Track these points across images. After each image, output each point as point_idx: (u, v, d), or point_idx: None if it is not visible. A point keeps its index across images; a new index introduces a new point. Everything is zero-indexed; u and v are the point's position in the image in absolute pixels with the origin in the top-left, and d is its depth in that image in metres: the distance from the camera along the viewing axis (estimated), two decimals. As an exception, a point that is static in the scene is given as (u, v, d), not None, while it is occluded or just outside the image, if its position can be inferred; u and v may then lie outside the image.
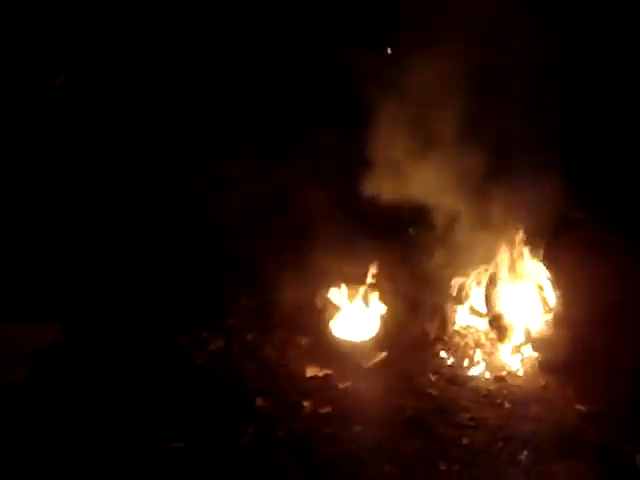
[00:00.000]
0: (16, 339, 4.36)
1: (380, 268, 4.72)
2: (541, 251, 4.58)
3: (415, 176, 4.51)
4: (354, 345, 4.48)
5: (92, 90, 6.21)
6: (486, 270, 4.60)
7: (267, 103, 6.11)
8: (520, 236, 4.57)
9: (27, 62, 5.98)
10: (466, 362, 4.35)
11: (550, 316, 4.43)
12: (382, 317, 4.58)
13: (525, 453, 3.68)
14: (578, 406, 3.97)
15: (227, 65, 6.30)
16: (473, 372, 4.28)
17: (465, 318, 4.61)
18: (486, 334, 4.52)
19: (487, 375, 4.25)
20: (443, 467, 3.62)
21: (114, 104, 6.20)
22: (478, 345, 4.46)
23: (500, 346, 4.42)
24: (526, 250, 4.58)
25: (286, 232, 5.19)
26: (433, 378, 4.23)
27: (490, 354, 4.40)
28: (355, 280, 4.68)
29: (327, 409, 3.99)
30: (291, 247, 4.97)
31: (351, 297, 4.63)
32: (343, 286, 4.64)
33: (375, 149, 4.59)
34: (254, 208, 5.44)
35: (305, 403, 4.03)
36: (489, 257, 4.61)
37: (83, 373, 4.18)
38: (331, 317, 4.58)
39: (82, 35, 6.18)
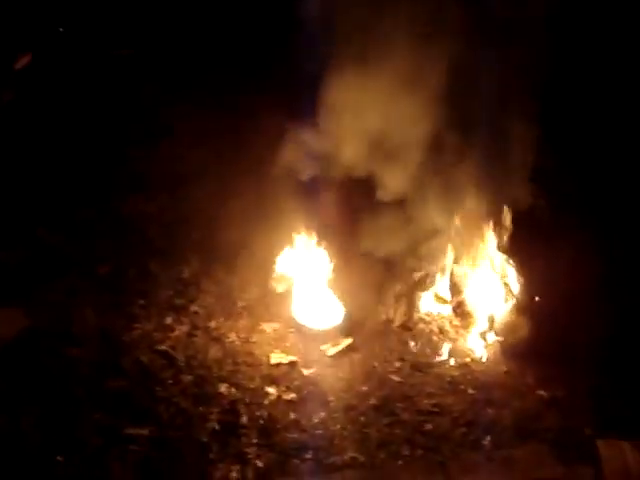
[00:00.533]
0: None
1: (343, 253, 4.74)
2: (505, 238, 4.62)
3: (380, 161, 4.51)
4: (319, 332, 4.49)
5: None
6: (450, 257, 4.63)
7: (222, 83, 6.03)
8: (484, 223, 4.61)
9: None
10: (430, 349, 4.38)
11: (513, 303, 4.47)
12: (347, 304, 4.60)
13: (488, 438, 3.73)
14: (540, 391, 4.03)
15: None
16: (437, 359, 4.31)
17: (429, 305, 4.64)
18: (450, 321, 4.57)
19: (451, 362, 4.29)
20: (407, 452, 3.65)
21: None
22: (442, 332, 4.50)
23: (464, 333, 4.47)
24: (490, 237, 4.61)
25: (247, 217, 5.12)
26: (397, 365, 4.26)
27: (454, 341, 4.44)
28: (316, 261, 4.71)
29: (292, 396, 3.99)
30: (254, 233, 4.94)
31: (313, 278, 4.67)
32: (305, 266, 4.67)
33: (338, 121, 4.52)
34: (214, 191, 5.38)
35: (269, 390, 4.02)
36: (453, 244, 4.64)
37: (48, 360, 4.13)
38: (295, 302, 4.60)
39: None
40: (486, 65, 4.35)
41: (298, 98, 4.72)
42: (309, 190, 4.78)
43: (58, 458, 3.52)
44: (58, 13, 6.05)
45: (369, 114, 4.47)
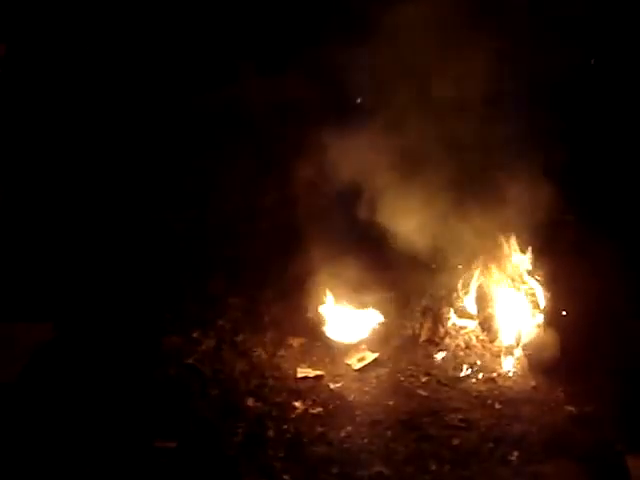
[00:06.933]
0: (8, 339, 4.33)
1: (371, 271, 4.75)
2: (531, 253, 4.60)
3: (404, 181, 4.57)
4: (345, 346, 4.48)
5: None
6: (477, 272, 4.62)
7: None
8: (511, 238, 4.60)
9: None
10: (457, 363, 4.36)
11: (541, 318, 4.44)
12: (373, 319, 4.60)
13: (516, 454, 3.69)
14: (568, 407, 3.98)
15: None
16: (464, 373, 4.28)
17: (456, 319, 4.62)
18: (477, 335, 4.53)
19: (478, 376, 4.26)
20: (434, 467, 3.63)
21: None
22: (469, 346, 4.47)
23: (491, 347, 4.44)
24: (516, 252, 4.60)
25: (276, 232, 5.15)
26: (424, 379, 4.24)
27: (481, 355, 4.41)
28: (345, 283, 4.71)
29: (318, 410, 3.99)
30: (282, 248, 4.96)
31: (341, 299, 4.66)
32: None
33: (366, 158, 4.67)
34: (244, 208, 5.41)
35: (296, 403, 4.03)
36: (480, 259, 4.62)
37: (74, 372, 4.16)
38: (322, 319, 4.60)
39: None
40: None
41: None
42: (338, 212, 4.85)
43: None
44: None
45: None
